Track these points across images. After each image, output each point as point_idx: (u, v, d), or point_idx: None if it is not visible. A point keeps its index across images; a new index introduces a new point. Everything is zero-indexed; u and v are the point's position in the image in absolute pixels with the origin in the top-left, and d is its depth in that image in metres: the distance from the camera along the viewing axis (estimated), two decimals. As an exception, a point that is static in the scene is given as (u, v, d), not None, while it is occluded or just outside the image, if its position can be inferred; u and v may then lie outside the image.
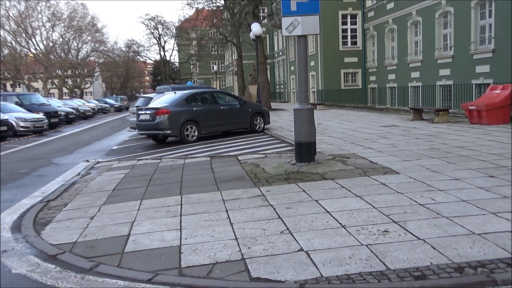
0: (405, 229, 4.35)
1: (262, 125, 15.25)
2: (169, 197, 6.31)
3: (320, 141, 10.73)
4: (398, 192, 5.71)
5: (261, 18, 34.41)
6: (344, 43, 32.29)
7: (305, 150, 7.81)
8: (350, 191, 5.93)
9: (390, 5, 27.35)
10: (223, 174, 7.76)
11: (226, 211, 5.40)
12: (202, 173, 8.08)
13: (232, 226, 4.80)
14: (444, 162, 7.62)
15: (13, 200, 7.04)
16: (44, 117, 21.20)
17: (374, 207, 5.14)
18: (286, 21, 7.65)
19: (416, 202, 5.24)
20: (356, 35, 32.22)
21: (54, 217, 5.73)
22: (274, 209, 5.33)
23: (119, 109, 50.18)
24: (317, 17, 7.63)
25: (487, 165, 7.17)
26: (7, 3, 51.21)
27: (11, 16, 51.82)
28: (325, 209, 5.16)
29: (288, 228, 4.59)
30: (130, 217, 5.43)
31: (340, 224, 4.62)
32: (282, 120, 19.47)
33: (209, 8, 35.19)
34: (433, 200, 5.28)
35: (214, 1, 33.67)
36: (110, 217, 5.52)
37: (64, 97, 56.56)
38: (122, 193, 6.88)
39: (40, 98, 26.64)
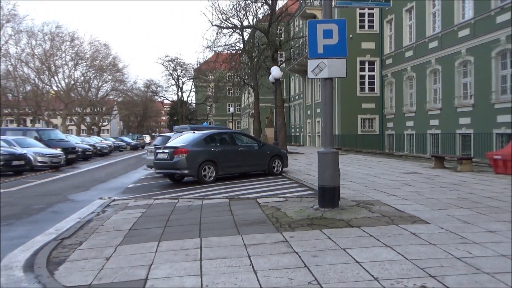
0: (444, 284, 4.02)
1: (280, 168, 15.01)
2: (188, 240, 6.04)
3: (341, 186, 10.39)
4: (431, 243, 5.38)
5: (279, 63, 34.78)
6: (362, 89, 32.41)
7: (329, 195, 7.55)
8: (379, 240, 5.62)
9: (409, 53, 27.50)
10: (243, 217, 7.49)
11: (249, 257, 5.11)
12: (221, 215, 7.81)
13: (256, 273, 4.51)
14: (475, 212, 7.28)
15: (27, 237, 6.84)
16: (61, 152, 21.27)
17: (407, 258, 4.82)
18: (312, 64, 7.55)
19: (452, 255, 4.91)
20: (374, 81, 32.35)
21: (69, 257, 5.50)
22: (300, 256, 5.03)
23: (135, 147, 50.58)
24: (344, 60, 7.52)
25: (521, 217, 6.82)
26: (33, 42, 52.91)
27: (36, 54, 53.40)
28: (355, 259, 4.85)
29: (316, 279, 4.29)
30: (148, 260, 5.17)
31: (372, 276, 4.31)
32: (300, 164, 19.23)
33: (228, 52, 35.73)
34: (470, 253, 4.94)
35: (233, 45, 34.23)
36: (126, 259, 5.27)
37: (81, 134, 57.28)
38: (139, 233, 6.65)
39: (59, 134, 26.91)
